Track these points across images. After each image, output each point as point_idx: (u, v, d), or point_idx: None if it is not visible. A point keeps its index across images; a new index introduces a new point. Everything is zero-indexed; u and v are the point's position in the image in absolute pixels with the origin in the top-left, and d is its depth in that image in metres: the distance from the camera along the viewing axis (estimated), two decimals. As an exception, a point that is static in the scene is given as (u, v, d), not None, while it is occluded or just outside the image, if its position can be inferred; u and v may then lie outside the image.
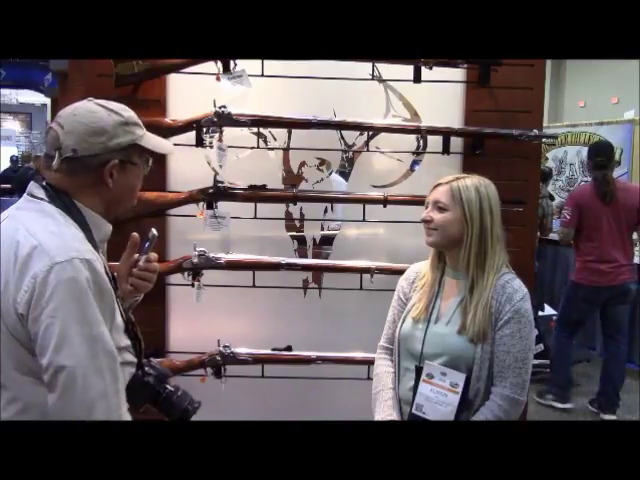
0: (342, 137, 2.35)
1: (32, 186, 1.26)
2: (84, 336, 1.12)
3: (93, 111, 1.25)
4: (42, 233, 1.17)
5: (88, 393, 1.12)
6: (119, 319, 1.26)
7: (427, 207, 1.66)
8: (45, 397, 1.15)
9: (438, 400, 1.55)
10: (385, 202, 2.21)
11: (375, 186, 2.36)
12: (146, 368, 1.35)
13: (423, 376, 1.59)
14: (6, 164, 10.95)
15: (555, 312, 4.74)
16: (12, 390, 1.18)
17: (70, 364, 1.11)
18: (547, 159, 8.01)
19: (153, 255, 1.44)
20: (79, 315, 1.12)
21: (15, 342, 1.15)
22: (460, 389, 1.54)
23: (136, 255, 1.42)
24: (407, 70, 2.17)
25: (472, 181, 1.61)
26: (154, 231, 1.41)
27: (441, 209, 1.61)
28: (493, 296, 1.58)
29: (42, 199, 1.23)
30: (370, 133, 2.32)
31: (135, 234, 1.40)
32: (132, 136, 1.27)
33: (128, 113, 1.29)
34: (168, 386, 1.38)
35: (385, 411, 1.64)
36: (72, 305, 1.12)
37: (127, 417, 1.21)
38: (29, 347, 1.14)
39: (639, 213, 3.80)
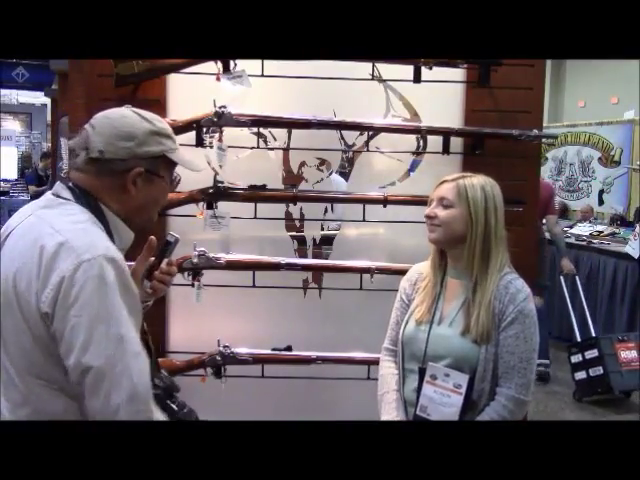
0: (342, 137, 2.35)
1: (58, 187, 1.26)
2: (110, 336, 1.11)
3: (126, 116, 1.25)
4: (68, 230, 1.16)
5: (117, 395, 1.10)
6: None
7: (431, 204, 1.65)
8: (55, 401, 1.15)
9: (442, 401, 1.55)
10: (385, 202, 2.21)
11: (375, 186, 2.36)
12: (155, 380, 1.33)
13: (426, 377, 1.59)
14: (6, 164, 10.92)
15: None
16: (23, 393, 1.17)
17: (97, 364, 1.09)
18: (547, 159, 8.02)
19: (173, 259, 1.44)
20: (106, 314, 1.11)
21: (33, 343, 1.14)
22: (463, 390, 1.54)
23: (151, 259, 1.41)
24: (407, 70, 2.17)
25: (478, 180, 1.62)
26: (177, 235, 1.41)
27: (446, 206, 1.60)
28: (496, 297, 1.57)
29: (68, 200, 1.23)
30: (370, 133, 2.32)
31: (153, 237, 1.39)
32: (162, 147, 1.26)
33: (161, 124, 1.28)
34: (175, 401, 1.36)
35: (390, 413, 1.63)
36: (98, 304, 1.11)
37: (158, 416, 1.20)
38: (49, 347, 1.13)
39: (545, 206, 4.31)
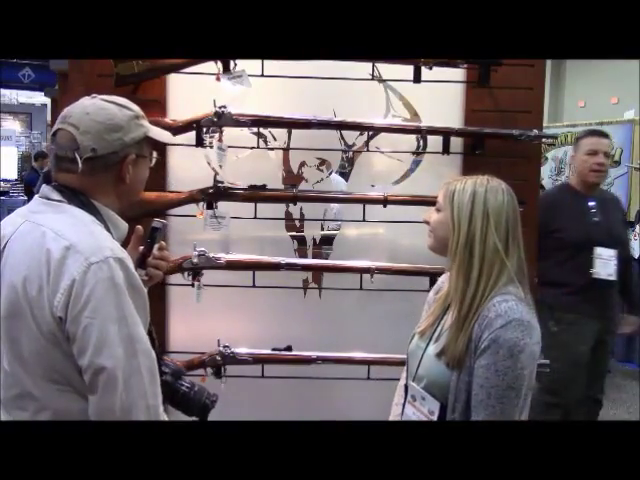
0: (342, 137, 2.35)
1: (45, 189, 1.24)
2: (122, 336, 1.12)
3: (105, 108, 1.24)
4: (72, 233, 1.16)
5: (129, 394, 1.12)
6: None
7: None
8: (74, 404, 1.15)
9: None
10: (385, 202, 2.21)
11: (375, 186, 2.36)
12: (162, 367, 1.35)
13: (408, 397, 1.51)
14: (6, 164, 10.90)
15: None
16: (40, 399, 1.17)
17: (110, 365, 1.11)
18: (547, 159, 8.02)
19: (163, 243, 1.45)
20: (117, 315, 1.12)
21: (49, 346, 1.14)
22: (435, 417, 1.41)
23: (141, 247, 1.43)
24: (407, 70, 2.17)
25: (473, 182, 1.44)
26: (163, 220, 1.43)
27: (437, 210, 1.49)
28: (477, 319, 1.37)
29: (60, 200, 1.22)
30: (370, 133, 2.32)
31: (139, 227, 1.41)
32: (143, 129, 1.29)
33: (135, 106, 1.30)
34: (184, 382, 1.39)
35: None
36: (110, 305, 1.12)
37: (164, 417, 1.21)
38: (66, 350, 1.13)
39: None
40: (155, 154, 1.37)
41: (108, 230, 1.24)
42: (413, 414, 1.48)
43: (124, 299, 1.14)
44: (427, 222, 1.53)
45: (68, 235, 1.15)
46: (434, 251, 1.53)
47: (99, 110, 1.24)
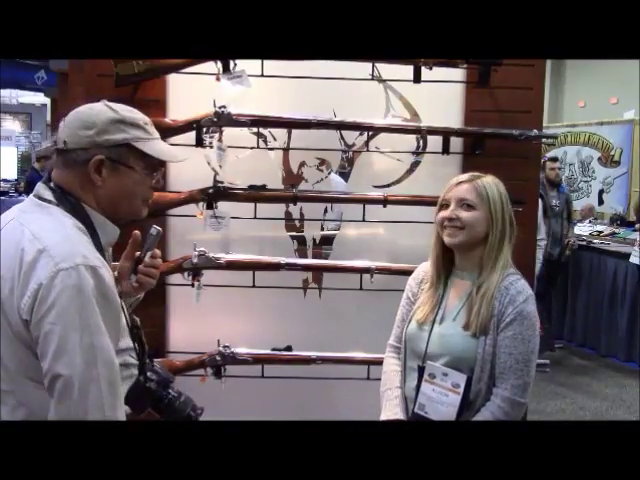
0: (342, 137, 2.35)
1: (40, 187, 1.24)
2: (83, 345, 1.10)
3: (92, 107, 1.25)
4: (48, 237, 1.15)
5: (84, 404, 1.10)
6: (123, 321, 1.25)
7: (446, 206, 1.62)
8: (48, 404, 1.14)
9: (440, 400, 1.56)
10: (385, 202, 2.21)
11: (375, 186, 2.36)
12: (148, 373, 1.33)
13: (425, 376, 1.60)
14: (6, 164, 10.90)
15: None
16: (17, 395, 1.17)
17: (67, 373, 1.09)
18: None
19: (157, 251, 1.43)
20: (81, 323, 1.11)
21: (21, 346, 1.14)
22: (461, 390, 1.54)
23: (137, 253, 1.41)
24: (407, 70, 2.17)
25: (492, 179, 1.62)
26: (158, 227, 1.41)
27: (469, 207, 1.58)
28: (496, 296, 1.57)
29: (50, 201, 1.21)
30: (370, 133, 2.32)
31: (137, 232, 1.39)
32: (125, 135, 1.23)
33: (130, 114, 1.26)
34: (171, 391, 1.36)
35: (391, 409, 1.64)
36: (74, 313, 1.10)
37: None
38: (34, 350, 1.13)
39: None
40: (160, 172, 1.32)
41: (95, 235, 1.23)
42: (433, 391, 1.58)
43: (90, 307, 1.12)
44: (453, 219, 1.60)
45: (44, 238, 1.14)
46: (460, 246, 1.63)
47: (87, 108, 1.25)
